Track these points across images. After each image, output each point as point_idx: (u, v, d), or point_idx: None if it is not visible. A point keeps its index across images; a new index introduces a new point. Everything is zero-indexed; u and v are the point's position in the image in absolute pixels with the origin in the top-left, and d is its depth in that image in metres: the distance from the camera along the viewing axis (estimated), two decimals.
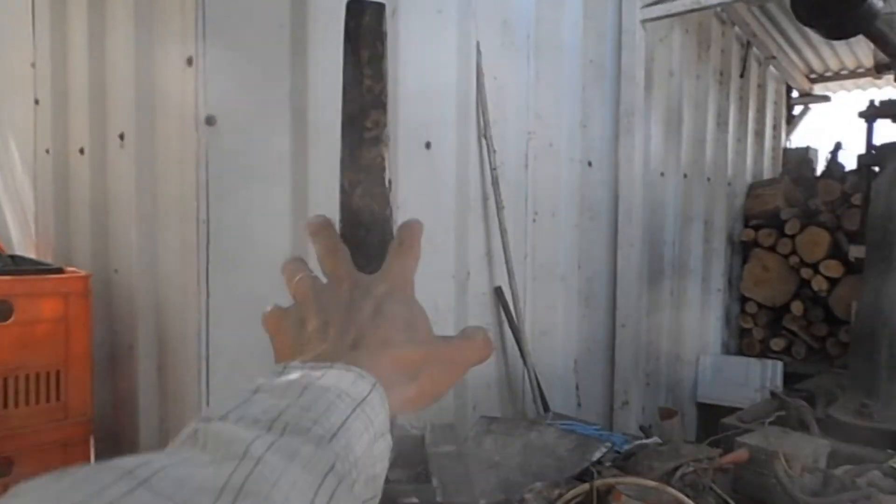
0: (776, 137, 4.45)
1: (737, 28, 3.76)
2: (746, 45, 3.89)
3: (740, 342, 3.96)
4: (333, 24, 1.65)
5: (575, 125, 2.67)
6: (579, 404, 2.80)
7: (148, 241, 1.76)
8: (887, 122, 2.18)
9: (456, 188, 2.18)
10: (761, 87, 4.15)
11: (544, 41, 2.51)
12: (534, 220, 2.49)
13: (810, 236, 3.64)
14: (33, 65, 2.29)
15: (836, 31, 1.73)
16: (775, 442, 1.64)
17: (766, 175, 4.27)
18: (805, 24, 1.74)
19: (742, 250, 3.97)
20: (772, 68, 4.21)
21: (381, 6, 0.61)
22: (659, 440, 1.65)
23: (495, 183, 2.27)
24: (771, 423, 1.92)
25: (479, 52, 2.22)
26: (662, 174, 3.27)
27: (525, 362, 2.40)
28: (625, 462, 1.48)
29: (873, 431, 1.78)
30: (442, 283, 2.18)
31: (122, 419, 1.84)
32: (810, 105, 4.59)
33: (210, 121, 1.56)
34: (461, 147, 2.19)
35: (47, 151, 2.22)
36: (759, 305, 3.87)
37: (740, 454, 1.58)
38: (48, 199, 2.21)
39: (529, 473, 1.45)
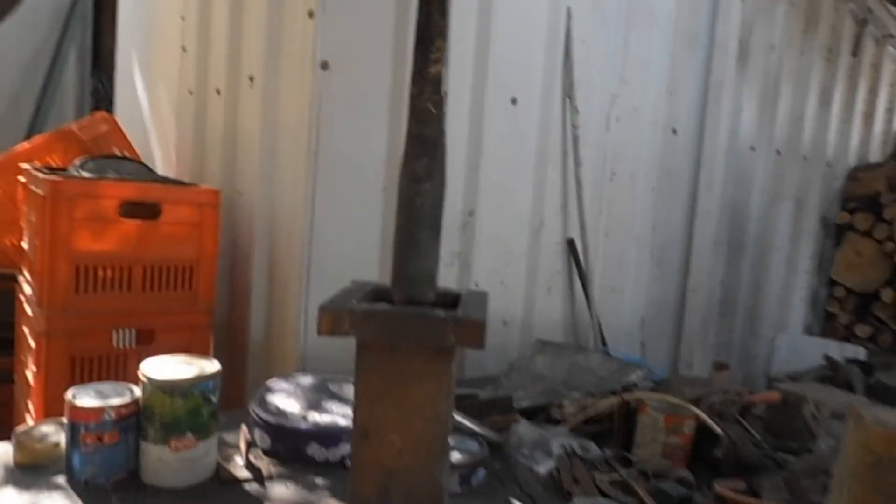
0: (890, 121, 4.27)
1: (852, 3, 3.65)
2: (862, 23, 3.77)
3: (824, 326, 3.92)
4: None
5: (661, 92, 2.77)
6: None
7: (268, 168, 2.08)
8: None
9: (537, 142, 2.37)
10: (875, 67, 3.99)
11: (636, 11, 2.62)
12: (611, 180, 2.63)
13: None
14: (183, 17, 2.68)
15: None
16: (810, 391, 1.75)
17: (875, 159, 4.13)
18: None
19: (836, 233, 3.90)
20: (890, 48, 4.04)
21: None
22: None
23: (575, 141, 2.45)
24: (814, 380, 2.01)
25: (569, 16, 2.38)
26: (753, 148, 3.29)
27: (591, 313, 2.58)
28: (658, 386, 1.66)
29: None
30: (517, 229, 2.40)
31: (236, 315, 2.20)
32: None
33: (324, 66, 1.84)
34: (545, 105, 2.37)
35: (190, 92, 2.61)
36: (848, 290, 3.81)
37: (772, 394, 1.71)
38: (188, 133, 2.60)
39: (571, 387, 1.66)
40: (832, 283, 3.88)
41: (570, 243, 2.55)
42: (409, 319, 0.81)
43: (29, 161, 2.30)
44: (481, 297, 0.93)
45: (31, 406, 1.90)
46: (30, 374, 1.89)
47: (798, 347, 3.60)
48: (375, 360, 0.83)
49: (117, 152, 2.40)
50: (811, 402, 1.65)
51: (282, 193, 2.04)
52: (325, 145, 1.87)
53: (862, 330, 3.73)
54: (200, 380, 1.25)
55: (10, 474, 1.24)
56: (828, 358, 2.16)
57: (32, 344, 1.87)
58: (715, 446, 1.45)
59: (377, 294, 0.91)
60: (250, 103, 2.18)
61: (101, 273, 1.79)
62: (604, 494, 1.33)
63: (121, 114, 3.30)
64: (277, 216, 2.06)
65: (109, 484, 1.22)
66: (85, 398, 1.23)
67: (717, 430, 1.45)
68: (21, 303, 2.12)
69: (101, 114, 2.66)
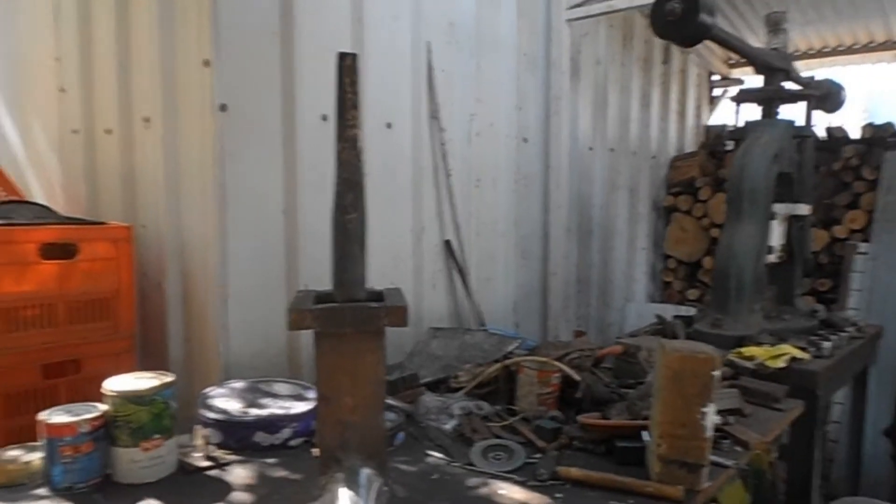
0: (699, 116, 5.08)
1: None
2: None
3: (663, 293, 4.63)
4: (313, 35, 2.21)
5: (511, 108, 3.24)
6: None
7: (173, 202, 2.27)
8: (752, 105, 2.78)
9: (412, 159, 2.73)
10: (683, 72, 4.76)
11: (484, 38, 3.05)
12: (476, 186, 3.06)
13: (719, 201, 4.28)
14: (58, 59, 2.77)
15: (685, 42, 2.31)
16: (645, 343, 2.25)
17: (690, 149, 4.90)
18: (661, 37, 2.31)
19: (665, 214, 4.62)
20: (693, 55, 4.82)
21: (356, 55, 1.16)
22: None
23: (444, 155, 2.84)
24: (648, 334, 2.54)
25: (429, 50, 2.77)
26: (591, 148, 3.86)
27: (471, 301, 2.99)
28: (531, 352, 2.08)
29: (721, 337, 2.40)
30: (401, 236, 2.75)
31: (152, 337, 2.37)
32: (729, 87, 5.22)
33: (223, 108, 2.08)
34: (415, 126, 2.73)
35: (75, 132, 2.71)
36: (679, 261, 4.53)
37: (615, 348, 2.19)
38: (77, 172, 2.70)
39: (463, 361, 2.04)
40: (666, 256, 4.59)
41: (448, 244, 2.94)
42: (353, 312, 1.13)
43: None
44: (398, 292, 1.27)
45: None
46: None
47: (643, 313, 4.25)
48: (330, 343, 1.14)
49: (17, 197, 2.47)
50: (645, 350, 2.13)
51: (191, 223, 2.24)
52: (230, 178, 2.11)
53: (692, 293, 4.46)
54: (161, 388, 1.48)
55: None
56: (658, 316, 2.70)
57: None
58: (576, 390, 1.88)
59: (321, 297, 1.22)
60: (147, 143, 2.36)
61: (25, 312, 1.93)
62: (497, 437, 1.71)
63: None
64: (188, 244, 2.26)
65: (89, 487, 1.43)
66: (58, 417, 1.42)
67: (576, 377, 1.88)
68: None
69: None
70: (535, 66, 3.38)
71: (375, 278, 2.69)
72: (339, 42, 2.37)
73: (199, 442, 1.61)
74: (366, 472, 1.17)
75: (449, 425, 1.78)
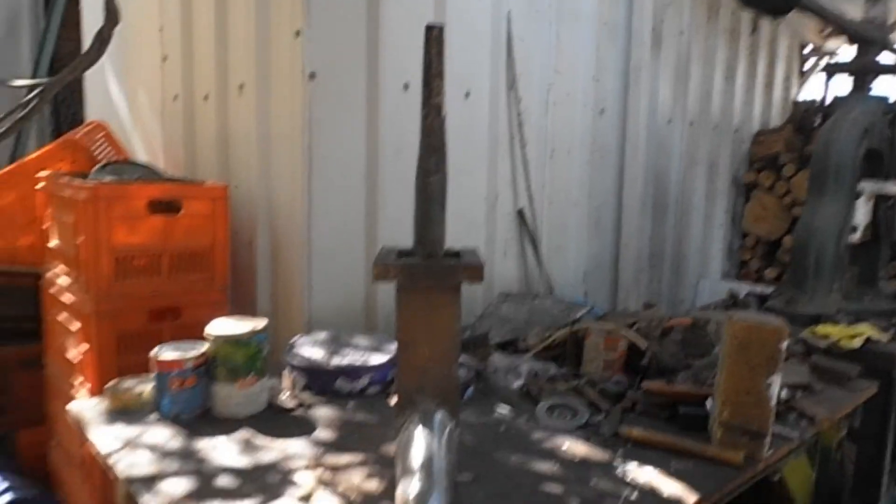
0: (787, 89, 4.88)
1: None
2: None
3: (739, 271, 4.53)
4: (399, 4, 2.29)
5: (589, 78, 3.23)
6: None
7: (264, 165, 2.43)
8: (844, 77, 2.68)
9: (488, 128, 2.79)
10: (772, 43, 4.57)
11: (565, 7, 3.05)
12: (551, 157, 3.09)
13: (804, 179, 4.13)
14: (161, 29, 2.97)
15: (774, 11, 2.24)
16: (714, 316, 2.26)
17: (775, 124, 4.73)
18: (748, 6, 2.25)
19: (745, 191, 4.49)
20: (783, 26, 4.61)
21: (442, 27, 1.23)
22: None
23: (520, 125, 2.88)
24: (720, 309, 2.54)
25: (509, 18, 2.80)
26: (670, 121, 3.80)
27: (541, 270, 3.04)
28: (599, 319, 2.13)
29: (796, 315, 2.38)
30: (475, 203, 2.82)
31: (242, 292, 2.56)
32: (821, 59, 4.97)
33: (312, 76, 2.20)
34: (493, 96, 2.79)
35: (175, 98, 2.91)
36: (757, 239, 4.41)
37: (685, 319, 2.21)
38: (177, 135, 2.91)
39: (532, 325, 2.12)
40: (744, 234, 4.48)
41: (520, 213, 3.00)
42: (432, 267, 1.23)
43: (40, 169, 2.58)
44: (474, 252, 1.36)
45: (75, 382, 2.23)
46: (74, 354, 2.21)
47: (717, 290, 4.18)
48: (410, 296, 1.24)
49: (115, 157, 2.69)
50: (714, 323, 2.15)
51: (279, 186, 2.39)
52: (316, 145, 2.24)
53: (770, 272, 4.35)
54: (256, 333, 1.64)
55: (111, 417, 1.60)
56: (731, 292, 2.68)
57: (75, 327, 2.19)
58: (642, 358, 1.92)
59: (403, 253, 1.32)
60: (241, 109, 2.52)
61: (135, 262, 2.13)
62: (562, 399, 1.79)
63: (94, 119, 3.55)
64: (277, 205, 2.42)
65: (193, 417, 1.60)
66: (168, 353, 1.60)
67: (643, 345, 1.92)
68: (50, 295, 2.43)
69: (94, 122, 2.93)
70: (616, 35, 3.34)
71: (450, 244, 2.81)
72: (423, 11, 2.44)
73: (286, 385, 1.76)
74: (439, 415, 1.27)
75: (516, 384, 1.87)
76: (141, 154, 3.21)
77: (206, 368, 1.63)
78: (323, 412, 1.69)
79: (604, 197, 3.44)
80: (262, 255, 2.48)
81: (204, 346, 1.64)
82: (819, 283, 2.45)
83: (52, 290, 2.41)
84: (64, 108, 4.88)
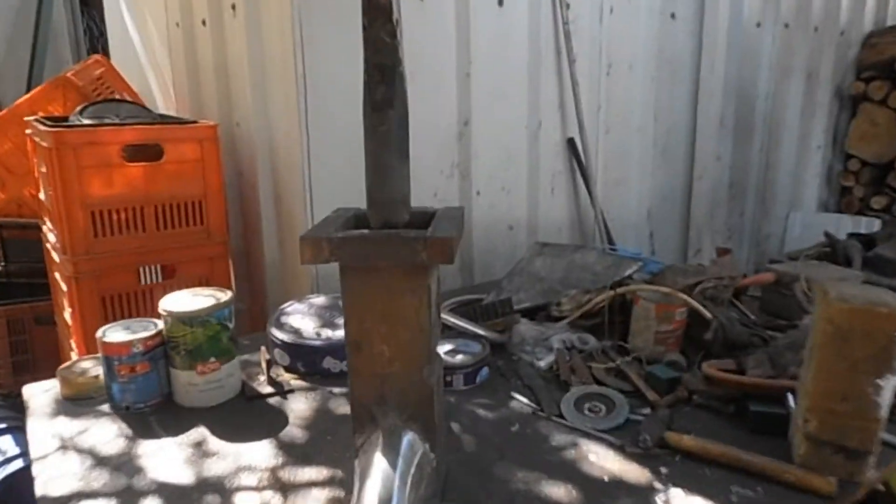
0: None
1: None
2: None
3: (840, 201, 3.90)
4: None
5: None
6: (653, 251, 3.01)
7: (260, 97, 2.10)
8: None
9: (528, 43, 2.34)
10: None
11: None
12: (607, 74, 2.60)
13: None
14: None
15: None
16: (805, 269, 1.80)
17: (893, 22, 3.94)
18: None
19: (851, 105, 3.80)
20: None
21: None
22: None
23: (567, 37, 2.40)
24: (814, 258, 2.06)
25: None
26: (758, 24, 3.17)
27: (595, 209, 2.62)
28: (653, 278, 1.73)
29: None
30: (515, 133, 2.41)
31: (250, 242, 2.30)
32: None
33: None
34: (532, 3, 2.31)
35: (177, 24, 2.59)
36: (863, 163, 3.75)
37: (765, 276, 1.77)
38: (181, 66, 2.61)
39: (568, 285, 1.74)
40: (847, 156, 3.82)
41: (570, 142, 2.56)
42: (382, 242, 0.87)
43: (32, 112, 2.36)
44: (456, 213, 0.99)
45: (73, 344, 2.05)
46: (67, 315, 2.03)
47: (811, 224, 3.61)
48: (359, 280, 0.90)
49: (116, 95, 2.43)
50: (803, 281, 1.70)
51: (276, 120, 2.07)
52: (311, 68, 1.88)
53: (878, 201, 3.71)
54: (216, 308, 1.35)
55: (60, 406, 1.38)
56: (827, 234, 2.18)
57: (64, 287, 1.99)
58: (706, 330, 1.52)
59: (357, 220, 0.97)
60: (236, 33, 2.18)
61: (115, 216, 1.88)
62: (599, 382, 1.43)
63: (115, 53, 3.30)
64: (275, 142, 2.11)
65: (148, 408, 1.36)
66: (114, 334, 1.34)
67: (707, 314, 1.52)
68: (48, 251, 2.24)
69: (94, 57, 2.67)
70: None
71: (483, 181, 2.43)
72: None
73: (263, 364, 1.49)
74: (408, 437, 0.95)
75: (544, 362, 1.53)
76: (155, 91, 2.95)
77: (164, 351, 1.37)
78: (302, 401, 1.41)
79: (673, 119, 2.92)
80: (266, 201, 2.19)
81: (158, 326, 1.38)
82: None
83: (48, 246, 2.23)
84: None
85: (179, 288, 2.02)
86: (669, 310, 1.52)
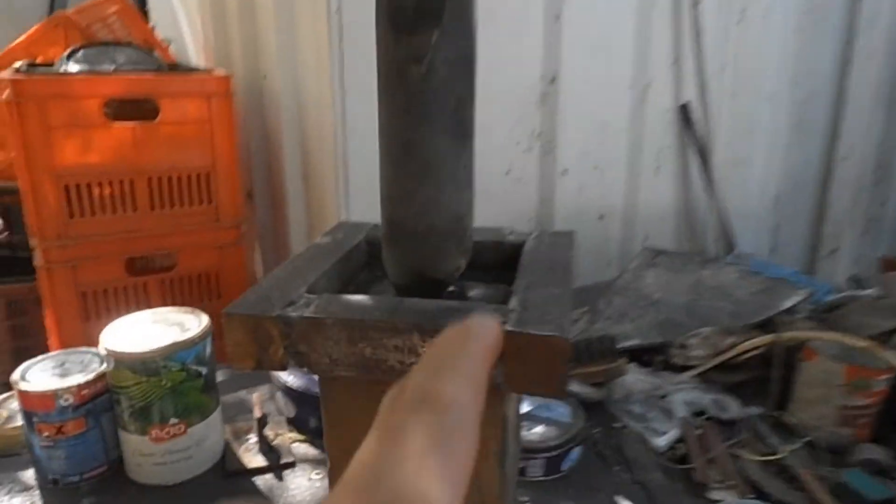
0: None
1: None
2: None
3: None
4: None
5: None
6: (774, 248, 2.42)
7: (288, 42, 1.63)
8: None
9: None
10: None
11: None
12: (739, 23, 2.00)
13: None
14: None
15: None
16: None
17: None
18: None
19: None
20: None
21: None
22: (877, 294, 1.30)
23: None
24: None
25: None
26: None
27: (711, 194, 2.06)
28: (826, 315, 1.18)
29: None
30: (615, 96, 1.87)
31: (278, 218, 1.87)
32: None
33: None
34: None
35: None
36: None
37: None
38: (206, 9, 2.16)
39: (696, 316, 1.21)
40: None
41: (684, 108, 1.99)
42: (407, 328, 0.39)
43: (30, 57, 1.97)
44: (562, 259, 0.49)
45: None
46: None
47: None
48: (349, 395, 0.42)
49: (122, 38, 2.01)
50: None
51: (306, 71, 1.60)
52: (347, 3, 1.39)
53: None
54: (177, 348, 0.90)
55: None
56: None
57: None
58: None
59: (369, 256, 0.49)
60: None
61: (96, 191, 1.47)
62: (754, 486, 0.92)
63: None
64: (304, 98, 1.64)
65: (84, 482, 0.94)
66: (36, 377, 0.92)
67: None
68: None
69: None
70: None
71: (572, 157, 1.91)
72: None
73: (254, 420, 1.04)
74: None
75: (663, 440, 1.02)
76: (188, 41, 2.52)
77: (109, 402, 0.94)
78: (304, 482, 0.96)
79: (816, 83, 2.29)
80: (292, 175, 1.74)
81: (103, 365, 0.95)
82: None
83: None
84: None
85: (180, 283, 1.64)
86: (866, 375, 0.98)
